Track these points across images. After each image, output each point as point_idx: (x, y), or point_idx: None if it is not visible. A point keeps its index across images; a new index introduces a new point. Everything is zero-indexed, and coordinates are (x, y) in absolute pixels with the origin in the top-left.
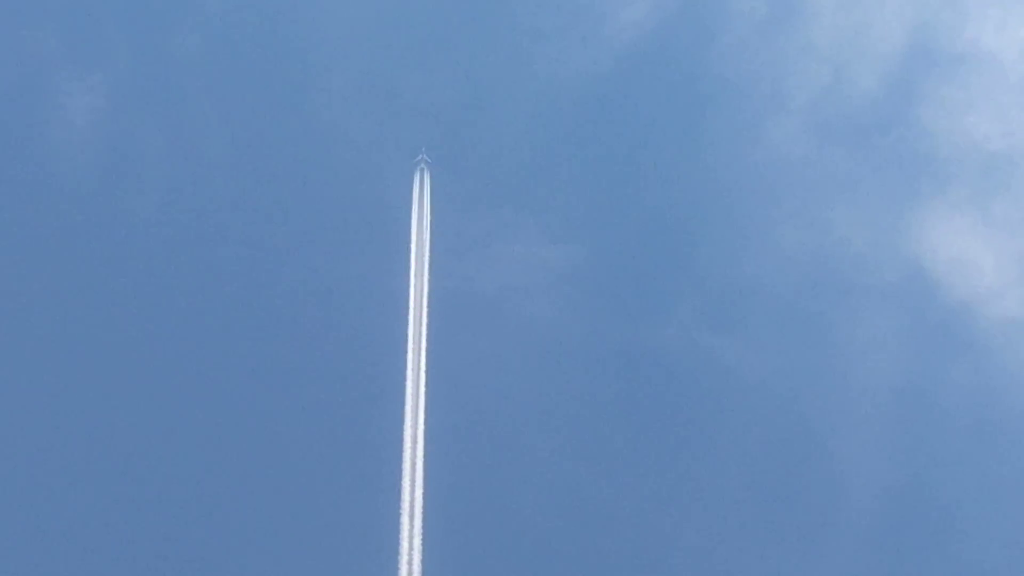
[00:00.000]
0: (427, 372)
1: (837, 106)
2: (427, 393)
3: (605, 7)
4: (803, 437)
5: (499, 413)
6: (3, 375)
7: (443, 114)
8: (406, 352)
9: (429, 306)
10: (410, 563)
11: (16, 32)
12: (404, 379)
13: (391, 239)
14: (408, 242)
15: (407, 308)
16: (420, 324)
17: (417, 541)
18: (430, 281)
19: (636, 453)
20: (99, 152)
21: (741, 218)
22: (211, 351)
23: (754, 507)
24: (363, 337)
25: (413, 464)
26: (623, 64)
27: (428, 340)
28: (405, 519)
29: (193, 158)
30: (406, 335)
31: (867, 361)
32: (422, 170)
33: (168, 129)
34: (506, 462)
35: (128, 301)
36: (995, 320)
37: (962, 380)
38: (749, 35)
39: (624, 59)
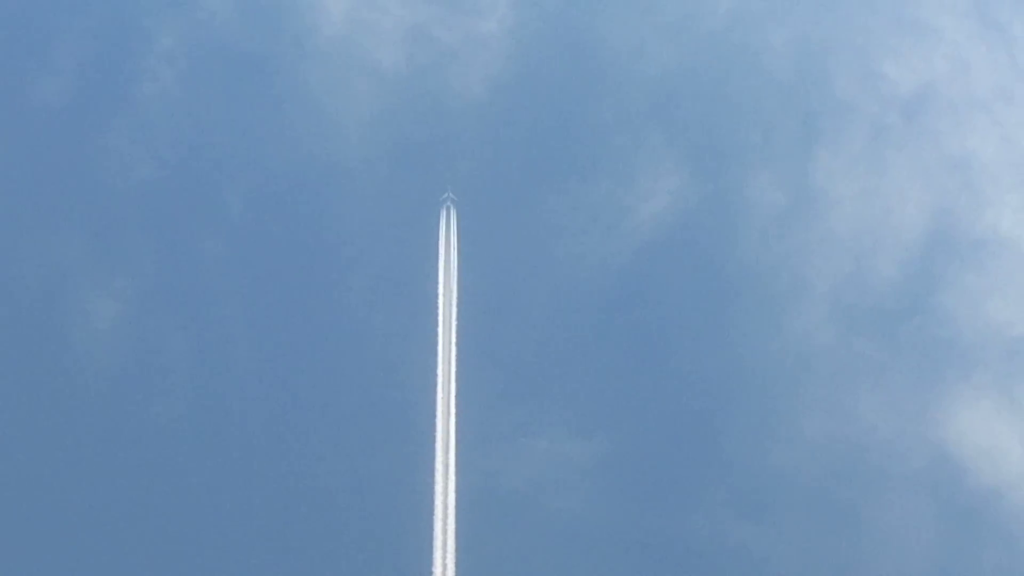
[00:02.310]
0: (457, 570)
1: (859, 294)
2: None
3: (627, 201)
4: None
5: None
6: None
7: (467, 308)
8: (432, 551)
9: (457, 503)
10: None
11: (41, 237)
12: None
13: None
14: (433, 438)
15: (433, 506)
16: (447, 522)
17: None
18: (456, 477)
19: None
20: (122, 357)
21: (766, 407)
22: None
23: None
24: (391, 538)
25: None
26: (645, 256)
27: (457, 538)
28: None
29: (217, 363)
30: (432, 534)
31: (895, 548)
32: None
33: (192, 334)
34: None
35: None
36: (1022, 505)
37: (991, 566)
38: (770, 225)
39: (646, 251)
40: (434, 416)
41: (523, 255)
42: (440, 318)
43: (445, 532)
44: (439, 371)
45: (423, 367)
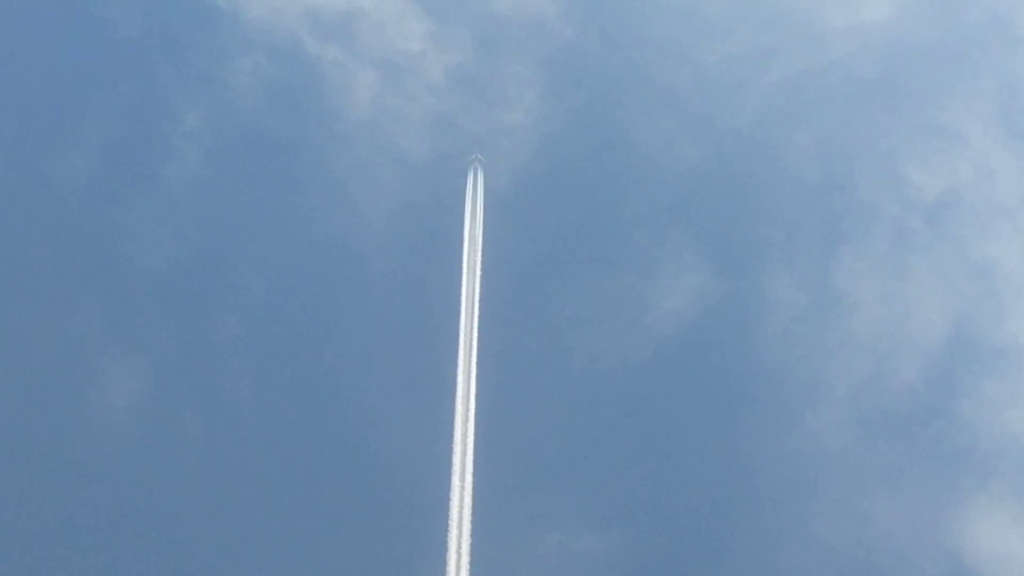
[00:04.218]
0: None
1: (878, 398)
2: None
3: (647, 296)
4: None
5: None
6: None
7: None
8: None
9: None
10: None
11: (61, 313)
12: None
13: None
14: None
15: None
16: None
17: None
18: (471, 570)
19: None
20: (140, 434)
21: (780, 509)
22: None
23: None
24: None
25: None
26: (664, 352)
27: None
28: None
29: (232, 442)
30: None
31: None
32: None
33: (208, 412)
34: None
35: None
36: None
37: None
38: (790, 326)
39: (665, 347)
40: (448, 506)
41: (542, 347)
42: (458, 409)
43: None
44: (455, 460)
45: (438, 459)
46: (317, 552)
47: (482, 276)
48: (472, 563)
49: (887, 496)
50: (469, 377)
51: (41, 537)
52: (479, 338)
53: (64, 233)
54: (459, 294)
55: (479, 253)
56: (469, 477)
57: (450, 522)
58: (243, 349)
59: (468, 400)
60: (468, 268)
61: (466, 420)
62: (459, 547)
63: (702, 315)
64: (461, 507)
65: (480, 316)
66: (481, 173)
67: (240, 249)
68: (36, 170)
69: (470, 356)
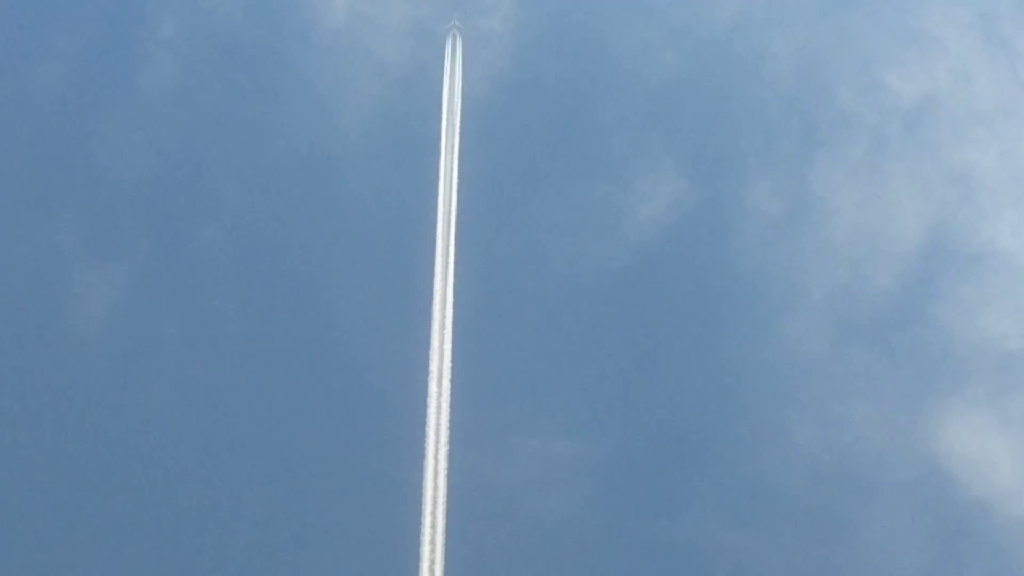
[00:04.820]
0: (444, 566)
1: (854, 304)
2: None
3: (625, 204)
4: None
5: None
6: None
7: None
8: (420, 546)
9: (448, 501)
10: None
11: (37, 224)
12: (419, 573)
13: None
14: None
15: (422, 503)
16: (436, 519)
17: None
18: (448, 475)
19: None
20: (117, 343)
21: (757, 414)
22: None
23: None
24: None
25: None
26: (641, 259)
27: (446, 535)
28: None
29: (210, 350)
30: (420, 531)
31: (883, 559)
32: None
33: (186, 321)
34: None
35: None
36: (1012, 519)
37: None
38: (767, 232)
39: (642, 254)
40: (425, 412)
41: (519, 254)
42: (435, 316)
43: (434, 528)
44: (432, 367)
45: (415, 365)
46: (296, 459)
47: (459, 184)
48: (449, 468)
49: (863, 401)
50: (446, 284)
51: (16, 447)
52: (456, 245)
53: (39, 143)
54: (436, 202)
55: (456, 161)
56: (447, 383)
57: (427, 428)
58: (220, 258)
59: (445, 307)
60: (445, 176)
61: (443, 327)
62: (436, 452)
63: (679, 222)
64: (439, 413)
65: (457, 223)
66: (459, 46)
67: (217, 158)
68: (9, 80)
69: (447, 263)
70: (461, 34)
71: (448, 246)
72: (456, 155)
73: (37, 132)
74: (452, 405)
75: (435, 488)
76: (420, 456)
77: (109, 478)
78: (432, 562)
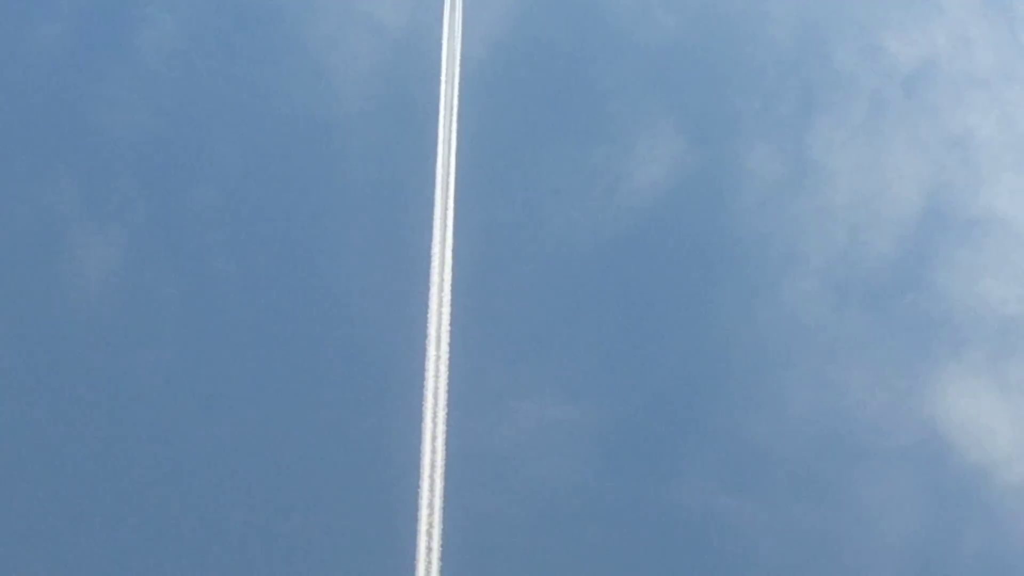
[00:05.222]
0: (442, 530)
1: (852, 268)
2: (442, 549)
3: (623, 167)
4: None
5: (511, 572)
6: None
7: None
8: (418, 509)
9: (445, 463)
10: None
11: (34, 183)
12: (416, 537)
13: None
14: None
15: (419, 465)
16: (435, 482)
17: None
18: (446, 438)
19: None
20: (114, 304)
21: (755, 379)
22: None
23: None
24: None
25: None
26: (639, 222)
27: (443, 498)
28: None
29: (207, 311)
30: (418, 494)
31: (880, 524)
32: None
33: (184, 281)
34: None
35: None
36: (1010, 485)
37: (976, 545)
38: (766, 196)
39: (641, 217)
40: (423, 376)
41: (517, 218)
42: (433, 279)
43: (432, 491)
44: (430, 330)
45: (414, 328)
46: (292, 422)
47: (457, 147)
48: (448, 432)
49: (861, 366)
50: (444, 247)
51: (10, 410)
52: (454, 209)
53: (36, 103)
54: (434, 164)
55: (454, 123)
56: (445, 347)
57: (425, 391)
58: (218, 219)
59: (443, 270)
60: (443, 139)
61: (441, 290)
62: (434, 416)
63: (677, 186)
64: (436, 376)
65: (455, 187)
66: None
67: (216, 119)
68: (5, 38)
69: (445, 226)
70: None
71: (446, 209)
72: (455, 117)
73: (34, 93)
74: (450, 368)
75: (433, 451)
76: (418, 420)
77: (108, 438)
78: (430, 524)
